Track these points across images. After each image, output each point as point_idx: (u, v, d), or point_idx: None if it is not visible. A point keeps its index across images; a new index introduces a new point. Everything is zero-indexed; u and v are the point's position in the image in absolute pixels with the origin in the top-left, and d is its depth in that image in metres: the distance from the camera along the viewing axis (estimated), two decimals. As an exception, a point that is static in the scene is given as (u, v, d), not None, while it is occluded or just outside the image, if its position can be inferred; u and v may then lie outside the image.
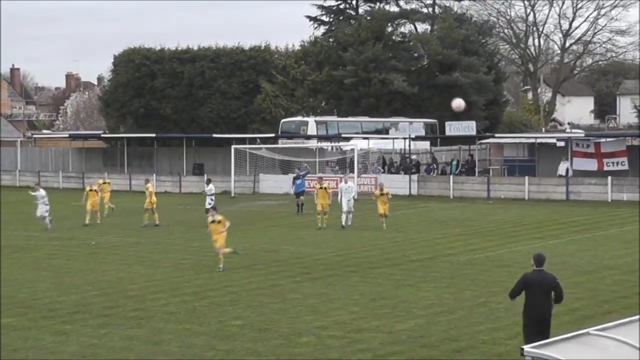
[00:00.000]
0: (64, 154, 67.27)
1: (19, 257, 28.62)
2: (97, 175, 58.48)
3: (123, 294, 21.82)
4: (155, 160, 63.41)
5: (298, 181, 41.50)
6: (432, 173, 52.57)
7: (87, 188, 39.03)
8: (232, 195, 51.96)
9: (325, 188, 35.44)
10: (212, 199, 37.04)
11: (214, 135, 61.64)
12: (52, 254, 29.34)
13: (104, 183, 40.96)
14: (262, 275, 24.24)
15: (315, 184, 37.21)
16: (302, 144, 57.32)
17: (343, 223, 34.84)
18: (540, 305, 14.30)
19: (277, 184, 52.30)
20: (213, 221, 25.70)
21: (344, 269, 25.07)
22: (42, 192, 36.32)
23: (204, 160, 60.79)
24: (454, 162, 53.65)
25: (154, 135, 63.42)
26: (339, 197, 35.51)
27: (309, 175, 45.98)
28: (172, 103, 69.67)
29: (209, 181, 38.65)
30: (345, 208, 35.06)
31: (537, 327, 14.41)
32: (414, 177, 50.65)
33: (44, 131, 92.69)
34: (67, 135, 71.78)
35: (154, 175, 58.29)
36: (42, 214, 35.95)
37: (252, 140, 57.53)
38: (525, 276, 14.64)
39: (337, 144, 55.99)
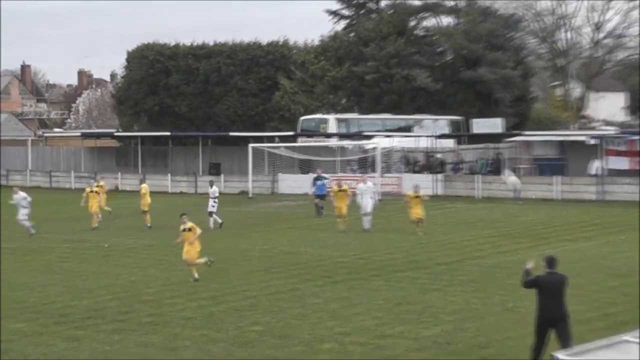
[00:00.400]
0: (76, 153, 67.54)
1: (30, 260, 28.69)
2: (110, 175, 58.65)
3: (137, 299, 21.78)
4: (170, 160, 63.55)
5: (319, 182, 41.03)
6: (458, 172, 52.35)
7: (87, 189, 38.26)
8: (250, 195, 51.96)
9: (344, 190, 35.15)
10: (215, 202, 36.45)
11: (231, 133, 61.69)
12: (64, 256, 29.39)
13: (98, 186, 39.48)
14: (282, 279, 24.17)
15: (334, 185, 36.77)
16: (322, 142, 57.17)
17: (365, 226, 34.60)
18: (553, 307, 14.65)
19: (297, 183, 52.14)
20: (184, 229, 24.65)
21: (366, 273, 24.95)
22: (21, 194, 35.23)
23: (221, 159, 60.86)
24: (481, 161, 53.41)
25: (168, 133, 63.60)
26: (359, 198, 35.13)
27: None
28: (187, 100, 69.84)
29: (212, 183, 37.97)
30: (364, 210, 34.80)
31: (549, 327, 14.73)
32: (439, 176, 50.46)
33: (56, 130, 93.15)
34: (79, 134, 72.08)
35: (169, 175, 58.54)
36: (21, 217, 34.89)
37: (271, 139, 57.52)
38: (538, 278, 14.81)
39: (358, 142, 55.83)
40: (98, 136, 70.83)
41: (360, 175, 46.42)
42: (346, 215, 34.91)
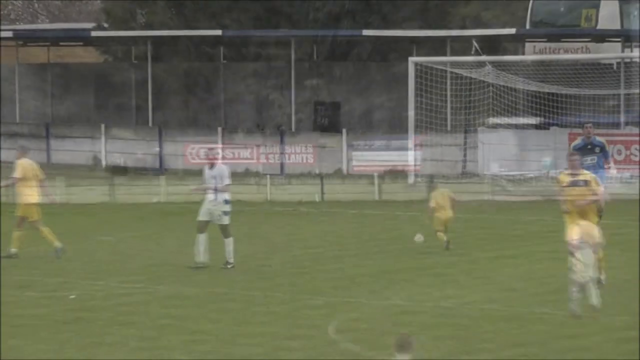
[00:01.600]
0: (7, 79, 69.46)
1: None
2: (82, 134, 58.18)
3: None
4: (222, 97, 64.31)
5: (589, 159, 39.93)
6: None
7: None
8: (413, 180, 52.65)
9: (587, 182, 33.17)
10: (227, 202, 37.19)
11: (365, 32, 62.72)
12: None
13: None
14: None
15: (559, 173, 35.38)
16: (581, 52, 58.22)
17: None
18: None
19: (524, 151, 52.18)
20: None
21: None
22: None
23: (341, 93, 62.83)
24: None
25: (219, 32, 64.75)
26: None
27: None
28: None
29: (212, 157, 38.33)
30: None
31: None
32: None
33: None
34: (9, 35, 73.47)
35: (220, 130, 59.41)
36: None
37: (455, 44, 57.98)
38: None
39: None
40: (55, 41, 72.63)
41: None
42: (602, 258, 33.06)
